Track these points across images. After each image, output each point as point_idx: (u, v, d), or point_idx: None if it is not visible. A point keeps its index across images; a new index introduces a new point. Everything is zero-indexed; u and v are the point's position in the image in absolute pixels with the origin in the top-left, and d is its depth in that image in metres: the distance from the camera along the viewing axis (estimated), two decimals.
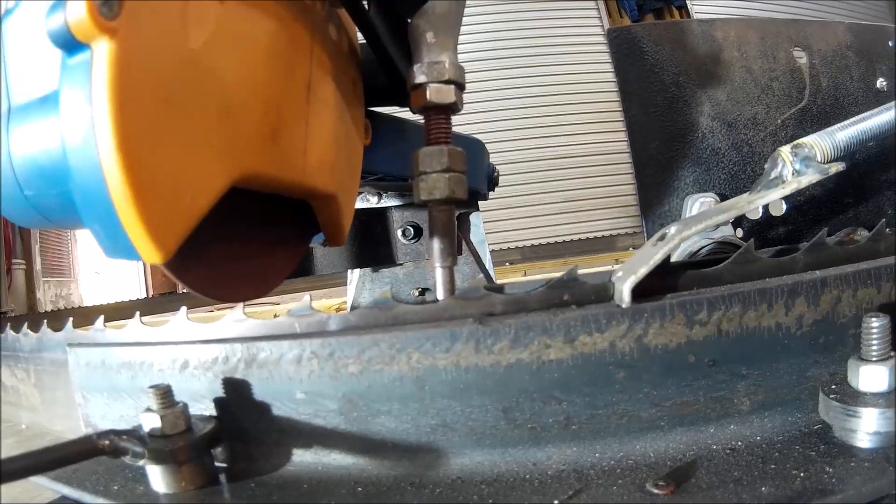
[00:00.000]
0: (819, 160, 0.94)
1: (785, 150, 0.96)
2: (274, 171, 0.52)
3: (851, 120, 1.00)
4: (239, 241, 0.54)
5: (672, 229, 0.53)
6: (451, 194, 0.60)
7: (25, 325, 0.78)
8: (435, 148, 0.61)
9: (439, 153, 0.60)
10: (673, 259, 0.51)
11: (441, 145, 0.61)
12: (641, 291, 0.49)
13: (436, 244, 0.62)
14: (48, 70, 0.37)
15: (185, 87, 0.41)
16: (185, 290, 0.48)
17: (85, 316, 0.78)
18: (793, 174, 0.93)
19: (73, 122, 0.35)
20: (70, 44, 0.35)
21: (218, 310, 2.51)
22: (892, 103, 1.01)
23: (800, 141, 0.97)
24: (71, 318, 0.69)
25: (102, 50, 0.34)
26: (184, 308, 0.57)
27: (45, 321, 0.75)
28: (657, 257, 0.49)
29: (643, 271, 0.48)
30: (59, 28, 0.34)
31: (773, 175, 0.97)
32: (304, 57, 0.58)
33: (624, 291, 0.48)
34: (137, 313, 0.62)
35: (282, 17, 0.54)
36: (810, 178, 0.57)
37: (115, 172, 0.35)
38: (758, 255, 0.52)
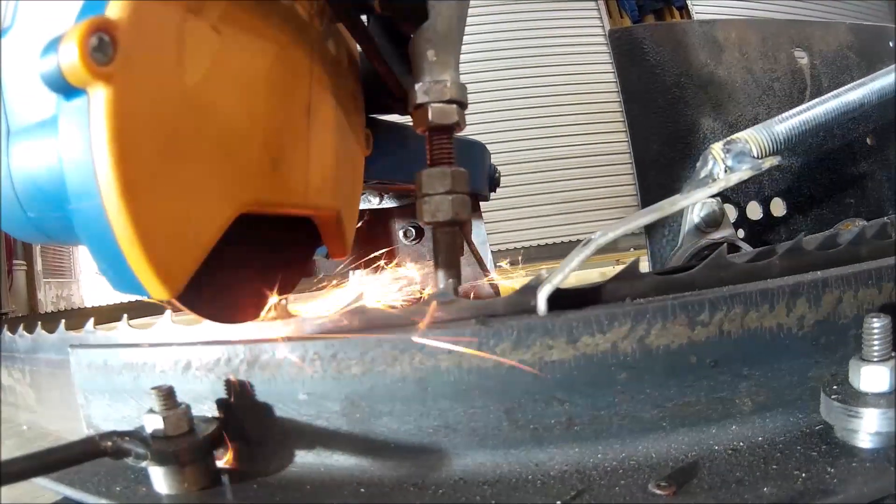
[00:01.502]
0: (755, 155, 0.91)
1: (716, 147, 0.93)
2: (277, 197, 0.52)
3: (794, 110, 0.96)
4: (243, 261, 0.53)
5: (596, 234, 0.53)
6: (455, 216, 0.60)
7: (21, 326, 0.78)
8: (437, 170, 0.60)
9: (442, 175, 0.60)
10: (673, 261, 0.51)
11: (444, 166, 0.61)
12: (561, 299, 0.48)
13: (440, 266, 0.62)
14: (46, 92, 0.35)
15: (185, 125, 0.40)
16: None
17: (85, 317, 0.78)
18: (725, 171, 0.91)
19: (75, 169, 0.34)
20: (65, 89, 0.33)
21: None
22: (838, 90, 0.98)
23: (733, 136, 0.93)
24: (63, 321, 0.69)
25: (99, 97, 0.33)
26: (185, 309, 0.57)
27: (40, 323, 0.75)
28: (573, 264, 0.49)
29: (558, 279, 0.48)
30: (52, 72, 0.33)
31: (703, 174, 0.94)
32: (303, 79, 0.57)
33: (540, 300, 0.48)
34: (125, 315, 0.62)
35: (281, 42, 0.52)
36: (741, 174, 0.55)
37: (120, 219, 0.34)
38: (730, 260, 0.52)
